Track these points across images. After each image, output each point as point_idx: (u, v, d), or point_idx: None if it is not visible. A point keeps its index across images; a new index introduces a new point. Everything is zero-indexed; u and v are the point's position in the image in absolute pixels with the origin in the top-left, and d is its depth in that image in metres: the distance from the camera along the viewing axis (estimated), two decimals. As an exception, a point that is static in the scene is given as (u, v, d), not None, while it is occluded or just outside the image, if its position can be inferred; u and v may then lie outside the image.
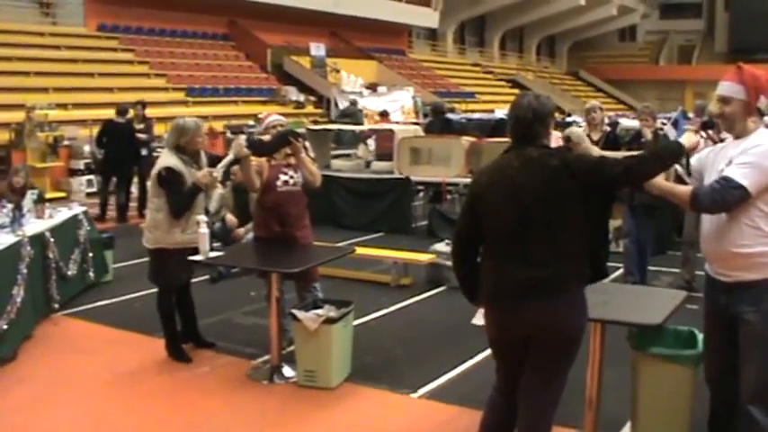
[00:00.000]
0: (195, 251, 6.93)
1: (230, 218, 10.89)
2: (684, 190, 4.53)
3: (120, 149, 15.23)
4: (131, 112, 15.79)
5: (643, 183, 4.53)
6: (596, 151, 5.38)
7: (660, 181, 4.61)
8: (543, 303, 4.21)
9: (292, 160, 7.23)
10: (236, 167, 7.32)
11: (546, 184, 4.18)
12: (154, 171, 7.07)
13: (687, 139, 4.59)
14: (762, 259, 4.38)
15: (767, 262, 4.38)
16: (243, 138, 7.11)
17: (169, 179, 6.92)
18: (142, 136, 15.43)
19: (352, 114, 23.87)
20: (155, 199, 7.08)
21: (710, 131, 8.32)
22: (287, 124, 7.79)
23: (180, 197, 6.93)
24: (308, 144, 7.52)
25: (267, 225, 7.28)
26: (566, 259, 4.20)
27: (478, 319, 5.23)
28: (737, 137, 4.54)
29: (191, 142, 7.03)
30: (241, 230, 10.62)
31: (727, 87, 4.54)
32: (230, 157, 7.12)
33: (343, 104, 28.50)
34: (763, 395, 4.50)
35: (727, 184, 4.32)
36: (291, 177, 7.24)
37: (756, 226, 4.32)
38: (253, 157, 7.07)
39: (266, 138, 7.40)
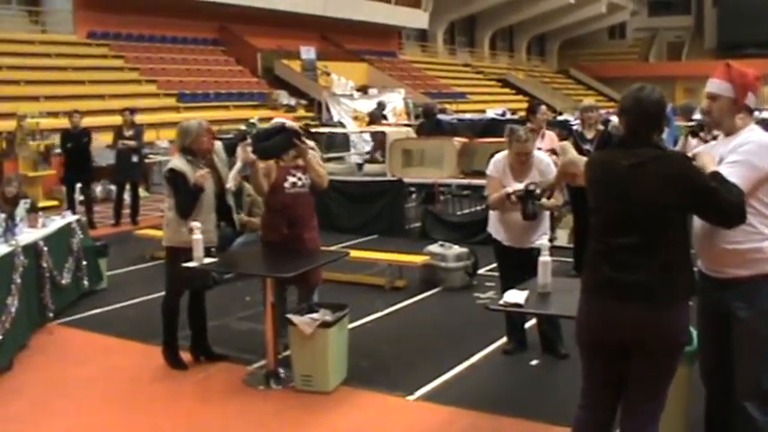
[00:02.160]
0: (207, 251, 6.96)
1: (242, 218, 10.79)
2: None
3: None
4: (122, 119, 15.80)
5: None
6: (577, 157, 5.32)
7: None
8: (635, 309, 4.04)
9: (301, 162, 7.25)
10: (234, 172, 7.41)
11: (655, 193, 4.00)
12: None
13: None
14: (753, 255, 4.39)
15: (759, 258, 4.39)
16: (248, 143, 7.14)
17: (172, 180, 7.10)
18: (131, 143, 15.35)
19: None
20: (168, 198, 7.25)
21: (701, 134, 8.37)
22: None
23: (183, 197, 7.05)
24: (313, 144, 7.55)
25: (276, 227, 7.31)
26: (660, 269, 4.03)
27: (510, 296, 5.26)
28: (727, 134, 4.56)
29: (195, 142, 7.11)
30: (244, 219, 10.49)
31: (715, 85, 4.54)
32: (238, 164, 7.18)
33: (335, 108, 28.50)
34: (759, 392, 4.50)
35: (735, 191, 4.26)
36: (300, 179, 7.26)
37: (748, 222, 4.31)
38: (260, 161, 7.12)
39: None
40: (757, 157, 4.34)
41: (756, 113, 5.42)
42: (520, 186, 6.68)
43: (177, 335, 7.33)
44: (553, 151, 9.32)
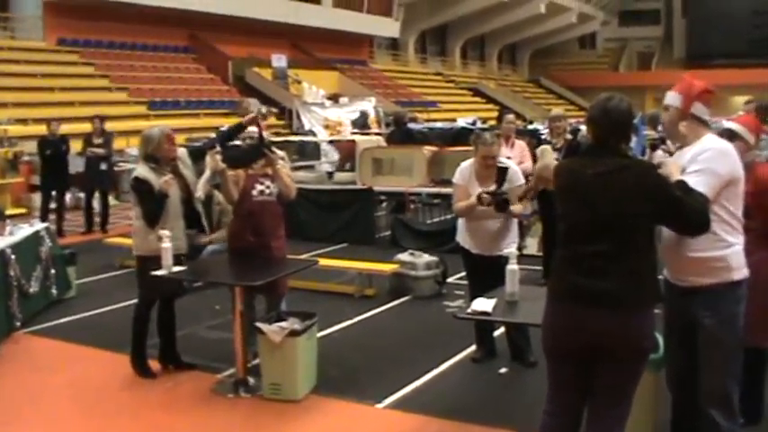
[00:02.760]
0: (177, 259, 6.93)
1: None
2: None
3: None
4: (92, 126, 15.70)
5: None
6: (552, 162, 5.36)
7: None
8: (603, 315, 4.06)
9: (270, 170, 7.25)
10: (203, 180, 7.40)
11: (624, 202, 4.05)
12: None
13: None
14: (717, 264, 4.46)
15: (722, 266, 4.46)
16: (218, 151, 7.14)
17: (137, 188, 7.07)
18: (100, 151, 15.25)
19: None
20: (135, 207, 7.22)
21: (662, 147, 8.49)
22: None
23: (149, 205, 7.01)
24: (283, 154, 7.56)
25: (242, 235, 7.30)
26: (628, 276, 4.06)
27: (478, 305, 5.27)
28: (682, 145, 4.67)
29: (158, 150, 7.07)
30: (207, 238, 10.43)
31: (669, 96, 4.73)
32: (207, 173, 7.17)
33: (305, 116, 28.49)
34: (724, 398, 4.57)
35: (700, 197, 4.33)
36: (267, 188, 7.26)
37: (711, 231, 4.37)
38: (229, 170, 7.12)
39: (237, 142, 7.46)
40: (717, 163, 4.42)
41: (722, 122, 5.51)
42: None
43: (146, 344, 7.31)
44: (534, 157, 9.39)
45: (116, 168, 18.52)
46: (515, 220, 7.21)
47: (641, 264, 4.11)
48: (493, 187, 6.82)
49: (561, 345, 4.28)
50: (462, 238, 7.31)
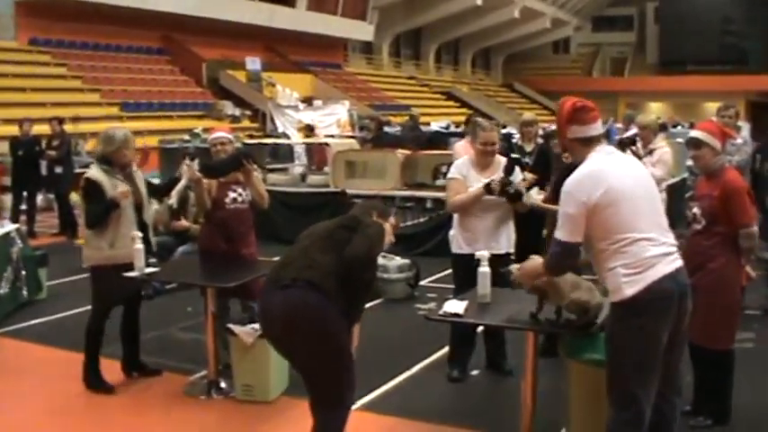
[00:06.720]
0: (130, 267, 6.73)
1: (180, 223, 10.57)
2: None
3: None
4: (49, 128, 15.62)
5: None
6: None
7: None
8: (287, 297, 4.81)
9: (242, 178, 7.25)
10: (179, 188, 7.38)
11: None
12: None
13: None
14: (613, 286, 4.40)
15: (617, 286, 4.36)
16: (195, 162, 7.08)
17: (87, 190, 6.77)
18: (52, 153, 15.05)
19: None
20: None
21: (633, 148, 8.48)
22: (233, 141, 7.75)
23: (94, 209, 6.75)
24: (256, 167, 7.57)
25: (214, 241, 7.30)
26: (309, 269, 4.88)
27: (450, 306, 5.29)
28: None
29: (116, 153, 6.82)
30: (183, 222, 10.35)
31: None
32: (183, 182, 7.14)
33: (279, 119, 28.49)
34: (615, 397, 4.57)
35: (554, 244, 4.47)
36: (240, 195, 7.27)
37: (602, 260, 4.41)
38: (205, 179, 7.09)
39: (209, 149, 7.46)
40: (567, 204, 4.41)
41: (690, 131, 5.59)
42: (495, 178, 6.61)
43: (99, 357, 7.00)
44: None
45: (80, 170, 18.34)
46: (511, 223, 6.96)
47: (324, 257, 4.95)
48: (500, 176, 6.63)
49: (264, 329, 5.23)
50: (462, 239, 6.84)
